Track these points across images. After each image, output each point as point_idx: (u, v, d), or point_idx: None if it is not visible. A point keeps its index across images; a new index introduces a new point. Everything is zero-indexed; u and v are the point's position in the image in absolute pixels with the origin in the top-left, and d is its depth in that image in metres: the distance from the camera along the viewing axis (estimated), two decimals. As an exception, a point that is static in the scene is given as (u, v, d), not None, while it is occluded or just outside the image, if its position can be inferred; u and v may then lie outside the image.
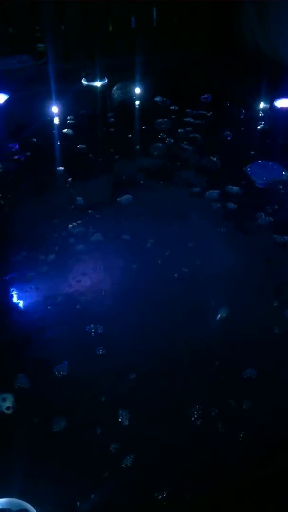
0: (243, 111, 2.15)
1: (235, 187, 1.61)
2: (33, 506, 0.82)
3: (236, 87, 2.32)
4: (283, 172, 1.70)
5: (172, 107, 2.17)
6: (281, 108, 2.08)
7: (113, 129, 2.01)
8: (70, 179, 1.69)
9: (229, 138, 1.95)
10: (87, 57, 2.70)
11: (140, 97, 2.33)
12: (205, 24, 2.98)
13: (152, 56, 2.74)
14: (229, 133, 1.97)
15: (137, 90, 2.35)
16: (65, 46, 2.80)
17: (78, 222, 1.48)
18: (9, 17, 2.83)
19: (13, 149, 1.88)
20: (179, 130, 1.97)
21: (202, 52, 2.84)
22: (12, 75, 2.42)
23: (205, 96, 2.31)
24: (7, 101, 2.17)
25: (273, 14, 2.45)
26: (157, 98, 2.26)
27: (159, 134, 1.94)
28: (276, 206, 1.52)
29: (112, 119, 2.08)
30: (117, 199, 1.57)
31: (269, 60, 2.43)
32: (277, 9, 2.41)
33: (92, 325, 1.14)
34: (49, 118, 2.08)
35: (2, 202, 1.60)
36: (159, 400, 1.00)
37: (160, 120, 2.07)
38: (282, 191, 1.62)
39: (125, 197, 1.58)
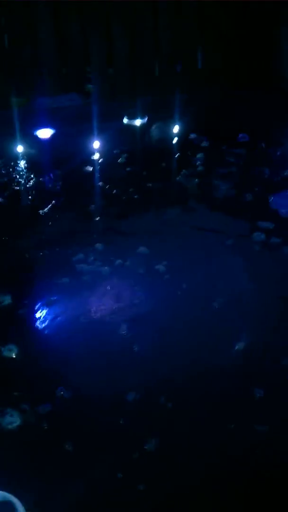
0: (278, 150, 2.19)
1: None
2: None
3: (274, 124, 2.37)
4: None
5: (206, 145, 2.27)
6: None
7: (146, 166, 2.13)
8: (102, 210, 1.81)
9: (263, 176, 2.01)
10: (131, 97, 2.88)
11: (177, 135, 2.43)
12: (248, 62, 3.12)
13: (193, 94, 2.87)
14: (262, 172, 2.03)
15: (175, 128, 2.46)
16: (112, 87, 3.01)
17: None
18: (65, 58, 3.10)
19: (51, 181, 2.04)
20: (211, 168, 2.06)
21: (243, 89, 2.95)
22: (60, 112, 2.62)
23: (243, 135, 2.38)
24: (52, 135, 2.35)
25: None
26: (193, 136, 2.36)
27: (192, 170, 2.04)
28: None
29: (146, 156, 2.21)
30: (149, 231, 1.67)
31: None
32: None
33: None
34: (89, 153, 2.23)
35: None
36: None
37: (194, 157, 2.17)
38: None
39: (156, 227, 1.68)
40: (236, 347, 1.20)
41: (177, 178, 2.02)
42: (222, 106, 2.69)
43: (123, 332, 1.26)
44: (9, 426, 1.03)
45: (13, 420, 1.03)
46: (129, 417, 1.04)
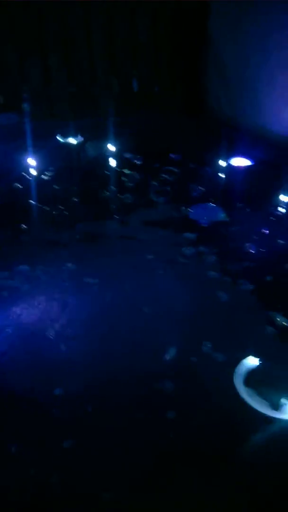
0: (203, 167, 2.36)
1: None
2: None
3: (200, 147, 2.55)
4: (220, 214, 1.90)
5: (140, 163, 2.41)
6: (235, 166, 2.31)
7: (81, 181, 2.22)
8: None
9: (189, 191, 2.16)
10: (67, 118, 2.97)
11: (111, 154, 2.54)
12: (180, 89, 3.34)
13: (127, 117, 3.01)
14: (190, 185, 2.18)
15: (110, 147, 2.57)
16: (48, 107, 3.11)
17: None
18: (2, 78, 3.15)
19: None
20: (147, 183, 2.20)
21: (175, 115, 3.14)
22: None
23: (174, 155, 2.54)
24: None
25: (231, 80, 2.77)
26: (128, 155, 2.49)
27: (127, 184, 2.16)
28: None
29: (81, 172, 2.30)
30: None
31: (227, 122, 2.69)
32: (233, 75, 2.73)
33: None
34: (23, 169, 2.28)
35: None
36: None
37: (129, 173, 2.29)
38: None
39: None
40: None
41: (108, 193, 2.13)
42: (155, 129, 2.85)
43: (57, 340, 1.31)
44: None
45: None
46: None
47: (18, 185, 2.16)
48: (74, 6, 3.10)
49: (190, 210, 1.92)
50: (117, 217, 1.94)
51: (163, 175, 2.33)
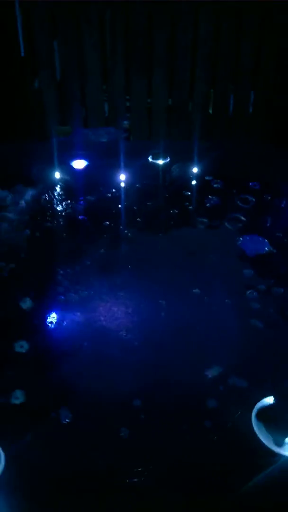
0: (279, 200, 2.46)
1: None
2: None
3: (282, 179, 2.65)
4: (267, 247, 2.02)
5: (220, 187, 2.58)
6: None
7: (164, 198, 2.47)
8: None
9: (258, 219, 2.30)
10: (162, 138, 3.23)
11: (194, 176, 2.75)
12: (273, 117, 3.41)
13: (217, 140, 3.19)
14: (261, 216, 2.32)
15: (194, 169, 2.78)
16: (147, 125, 3.38)
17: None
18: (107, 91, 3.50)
19: (82, 206, 2.41)
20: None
21: (263, 142, 3.24)
22: (96, 145, 2.99)
23: (254, 183, 2.67)
24: (86, 167, 2.71)
25: None
26: (208, 178, 2.68)
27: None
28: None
29: (166, 191, 2.54)
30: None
31: None
32: None
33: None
34: (115, 185, 2.58)
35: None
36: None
37: (209, 197, 2.49)
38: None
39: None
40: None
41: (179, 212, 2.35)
42: (241, 154, 2.99)
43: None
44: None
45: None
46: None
47: (108, 195, 2.45)
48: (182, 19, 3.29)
49: (241, 239, 2.06)
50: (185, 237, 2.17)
51: (238, 202, 2.48)
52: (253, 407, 1.19)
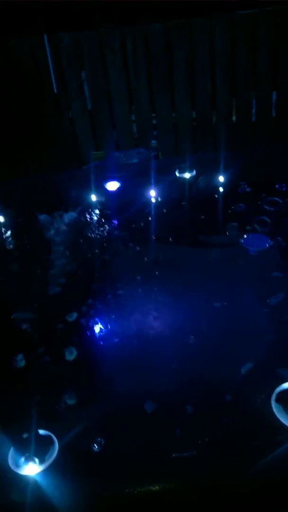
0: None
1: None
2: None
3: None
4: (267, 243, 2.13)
5: (247, 194, 2.71)
6: None
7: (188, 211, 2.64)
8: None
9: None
10: (188, 152, 3.40)
11: (221, 185, 2.90)
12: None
13: (243, 149, 3.31)
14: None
15: (221, 179, 2.93)
16: (174, 142, 3.58)
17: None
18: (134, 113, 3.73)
19: (116, 224, 2.63)
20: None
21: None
22: (128, 166, 3.22)
23: (280, 184, 2.78)
24: (118, 188, 2.94)
25: None
26: (234, 185, 2.81)
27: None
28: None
29: (192, 202, 2.72)
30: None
31: None
32: None
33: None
34: (146, 201, 2.78)
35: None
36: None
37: (235, 204, 2.62)
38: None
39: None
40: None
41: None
42: (267, 159, 3.09)
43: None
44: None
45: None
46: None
47: (139, 211, 2.66)
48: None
49: (244, 237, 2.16)
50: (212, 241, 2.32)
51: (265, 206, 2.60)
52: (273, 392, 1.33)
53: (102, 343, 1.77)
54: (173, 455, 1.23)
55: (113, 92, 3.67)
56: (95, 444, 1.28)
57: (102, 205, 2.80)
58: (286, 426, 1.23)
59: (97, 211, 2.78)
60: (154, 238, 2.46)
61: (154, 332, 1.75)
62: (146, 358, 1.64)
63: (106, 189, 2.93)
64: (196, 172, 3.09)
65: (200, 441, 1.26)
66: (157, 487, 1.20)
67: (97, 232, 2.61)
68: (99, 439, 1.29)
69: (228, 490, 1.20)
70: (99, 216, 2.75)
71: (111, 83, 3.64)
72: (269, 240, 2.18)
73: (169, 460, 1.23)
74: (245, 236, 2.24)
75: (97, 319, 1.86)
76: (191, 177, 3.03)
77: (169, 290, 1.97)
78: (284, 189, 2.77)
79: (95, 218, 2.74)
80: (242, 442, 1.26)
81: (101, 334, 1.80)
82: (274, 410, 1.28)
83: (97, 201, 2.85)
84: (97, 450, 1.26)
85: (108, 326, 1.83)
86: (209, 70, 3.58)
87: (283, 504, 1.17)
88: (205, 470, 1.22)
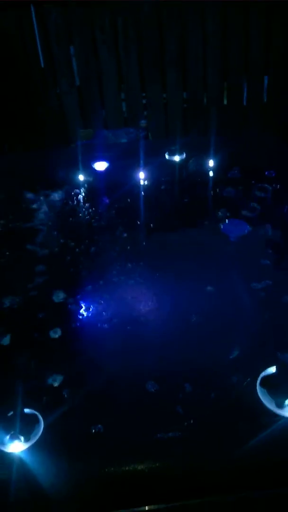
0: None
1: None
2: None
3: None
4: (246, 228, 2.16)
5: (235, 179, 2.70)
6: None
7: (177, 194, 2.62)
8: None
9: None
10: (178, 135, 3.36)
11: (211, 169, 2.88)
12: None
13: (234, 133, 3.29)
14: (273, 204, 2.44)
15: (211, 163, 2.91)
16: (164, 123, 3.53)
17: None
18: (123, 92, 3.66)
19: (105, 205, 2.59)
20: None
21: (279, 133, 3.32)
22: (116, 146, 3.17)
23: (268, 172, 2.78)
24: (106, 168, 2.90)
25: None
26: (226, 170, 2.80)
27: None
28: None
29: (181, 186, 2.69)
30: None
31: None
32: None
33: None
34: (134, 183, 2.75)
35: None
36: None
37: (225, 189, 2.62)
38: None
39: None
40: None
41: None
42: (256, 145, 3.08)
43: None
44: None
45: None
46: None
47: (128, 193, 2.63)
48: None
49: (225, 223, 2.18)
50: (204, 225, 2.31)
51: (256, 192, 2.60)
52: (258, 376, 1.34)
53: (89, 324, 1.75)
54: (157, 436, 1.23)
55: (103, 70, 3.58)
56: (81, 425, 1.27)
57: (89, 185, 2.76)
58: (270, 410, 1.25)
59: (84, 191, 2.74)
60: (141, 221, 2.44)
61: (141, 315, 1.74)
62: (133, 341, 1.64)
63: (94, 169, 2.88)
64: (186, 155, 3.07)
65: (185, 423, 1.27)
66: (142, 467, 1.21)
67: (83, 213, 2.57)
68: (84, 420, 1.29)
69: (212, 473, 1.21)
70: (86, 196, 2.71)
71: (101, 60, 3.55)
72: (248, 226, 2.19)
73: (153, 441, 1.24)
74: (226, 221, 2.25)
75: (84, 301, 1.84)
76: (181, 160, 3.01)
77: (157, 274, 1.96)
78: (273, 175, 2.78)
79: (82, 198, 2.71)
80: (227, 425, 1.28)
81: (88, 315, 1.78)
82: (259, 394, 1.29)
83: (85, 181, 2.80)
84: (83, 430, 1.26)
85: (94, 308, 1.81)
86: (201, 51, 3.52)
87: (267, 486, 1.19)
88: (189, 452, 1.23)
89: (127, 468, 1.20)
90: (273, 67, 3.52)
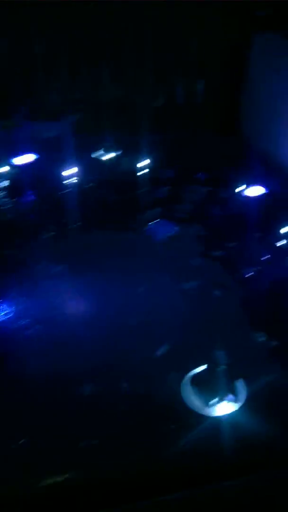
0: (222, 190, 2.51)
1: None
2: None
3: (226, 170, 2.70)
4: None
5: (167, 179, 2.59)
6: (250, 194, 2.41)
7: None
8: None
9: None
10: (109, 132, 3.20)
11: (143, 169, 2.76)
12: (220, 110, 3.46)
13: (167, 133, 3.20)
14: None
15: (144, 163, 2.78)
16: (94, 119, 3.35)
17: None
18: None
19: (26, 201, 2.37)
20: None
21: (212, 134, 3.29)
22: (42, 139, 2.94)
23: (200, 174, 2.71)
24: (35, 160, 2.66)
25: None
26: (158, 171, 2.68)
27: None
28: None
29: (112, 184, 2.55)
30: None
31: (258, 151, 2.80)
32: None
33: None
34: (62, 180, 2.54)
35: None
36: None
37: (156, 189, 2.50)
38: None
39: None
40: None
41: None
42: (190, 146, 3.02)
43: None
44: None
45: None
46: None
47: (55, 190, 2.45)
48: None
49: (149, 225, 2.11)
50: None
51: (187, 194, 2.51)
52: (184, 376, 1.32)
53: (11, 329, 1.60)
54: (81, 444, 1.14)
55: (30, 57, 3.34)
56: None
57: (10, 180, 2.52)
58: (196, 410, 1.21)
59: (5, 186, 2.50)
60: (67, 220, 2.25)
61: (67, 316, 1.63)
62: (60, 345, 1.50)
63: (15, 163, 2.64)
64: (117, 152, 2.92)
65: (111, 429, 1.19)
66: (65, 477, 1.10)
67: (4, 209, 2.34)
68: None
69: (140, 478, 1.12)
70: (4, 193, 2.46)
71: (30, 47, 3.30)
72: (175, 227, 2.13)
73: (77, 449, 1.14)
74: (153, 221, 2.17)
75: (4, 305, 1.68)
76: (112, 157, 2.86)
77: (82, 275, 1.82)
78: (204, 176, 2.71)
79: (2, 194, 2.46)
80: (154, 427, 1.21)
81: (10, 319, 1.62)
82: (186, 394, 1.25)
83: (5, 175, 2.56)
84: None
85: (16, 312, 1.66)
86: (135, 50, 3.41)
87: (196, 485, 1.11)
88: (114, 459, 1.13)
89: (51, 481, 1.09)
90: (207, 71, 3.50)
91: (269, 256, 1.94)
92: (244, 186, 2.45)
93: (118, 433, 1.18)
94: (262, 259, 1.92)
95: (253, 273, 1.84)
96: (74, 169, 2.59)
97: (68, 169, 2.59)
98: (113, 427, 1.20)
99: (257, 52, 3.04)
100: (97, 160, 2.76)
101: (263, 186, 2.43)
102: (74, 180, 2.56)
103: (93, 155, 2.76)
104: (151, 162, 2.74)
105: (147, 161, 2.74)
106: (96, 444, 1.15)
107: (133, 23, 3.31)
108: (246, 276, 1.84)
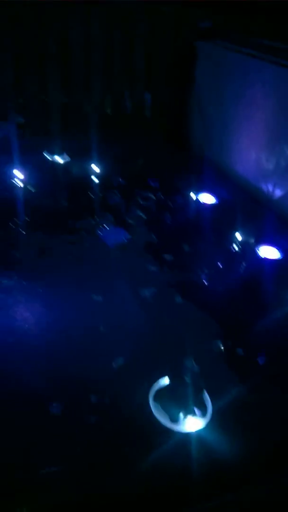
0: (173, 198, 2.53)
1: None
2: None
3: (176, 178, 2.73)
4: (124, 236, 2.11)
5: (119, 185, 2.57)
6: (201, 201, 2.47)
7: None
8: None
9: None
10: (58, 136, 3.13)
11: (94, 174, 2.70)
12: (167, 119, 3.52)
13: (116, 140, 3.18)
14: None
15: (94, 168, 2.73)
16: (42, 123, 3.25)
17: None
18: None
19: None
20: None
21: (161, 143, 3.32)
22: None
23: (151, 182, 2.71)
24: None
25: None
26: (110, 177, 2.65)
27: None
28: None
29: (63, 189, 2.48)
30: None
31: (205, 159, 2.87)
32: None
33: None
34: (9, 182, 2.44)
35: None
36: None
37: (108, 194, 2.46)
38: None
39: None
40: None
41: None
42: (139, 154, 3.02)
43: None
44: None
45: None
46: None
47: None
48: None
49: (103, 230, 2.10)
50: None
51: (138, 200, 2.50)
52: (150, 389, 1.25)
53: None
54: (41, 472, 1.06)
55: None
56: None
57: None
58: (163, 424, 1.16)
59: None
60: (15, 225, 2.13)
61: (21, 325, 1.54)
62: (13, 356, 1.42)
63: None
64: (65, 157, 2.84)
65: (70, 452, 1.11)
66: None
67: None
68: None
69: (104, 501, 1.06)
70: None
71: None
72: (127, 234, 2.13)
73: (36, 477, 1.05)
74: (104, 228, 2.16)
75: None
76: (61, 162, 2.77)
77: (33, 283, 1.74)
78: (155, 183, 2.71)
79: None
80: (120, 445, 1.14)
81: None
82: (152, 408, 1.19)
83: None
84: None
85: None
86: (83, 57, 3.36)
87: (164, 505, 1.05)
88: (76, 485, 1.05)
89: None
90: (153, 84, 3.54)
91: (221, 261, 1.96)
92: (193, 194, 2.49)
93: (81, 455, 1.12)
94: (216, 263, 1.95)
95: (208, 277, 1.86)
96: (20, 173, 2.48)
97: (15, 170, 2.48)
98: (77, 447, 1.14)
99: (201, 62, 3.09)
100: (47, 164, 2.66)
101: (211, 193, 2.48)
102: (20, 184, 2.46)
103: (46, 157, 2.66)
104: (101, 169, 2.71)
105: (97, 168, 2.70)
106: (59, 468, 1.09)
107: (83, 28, 3.27)
108: (203, 280, 1.85)
